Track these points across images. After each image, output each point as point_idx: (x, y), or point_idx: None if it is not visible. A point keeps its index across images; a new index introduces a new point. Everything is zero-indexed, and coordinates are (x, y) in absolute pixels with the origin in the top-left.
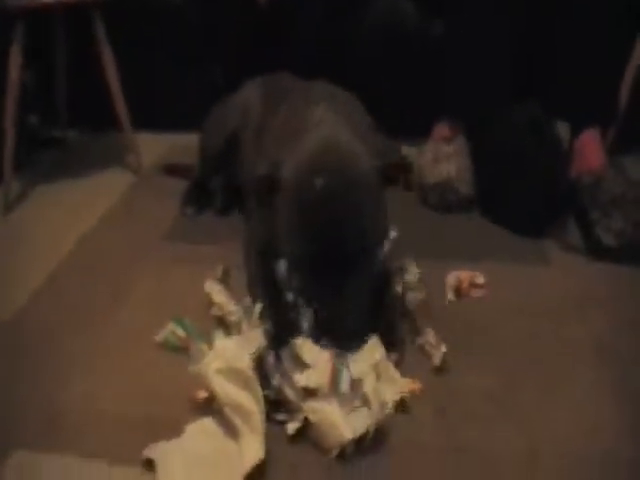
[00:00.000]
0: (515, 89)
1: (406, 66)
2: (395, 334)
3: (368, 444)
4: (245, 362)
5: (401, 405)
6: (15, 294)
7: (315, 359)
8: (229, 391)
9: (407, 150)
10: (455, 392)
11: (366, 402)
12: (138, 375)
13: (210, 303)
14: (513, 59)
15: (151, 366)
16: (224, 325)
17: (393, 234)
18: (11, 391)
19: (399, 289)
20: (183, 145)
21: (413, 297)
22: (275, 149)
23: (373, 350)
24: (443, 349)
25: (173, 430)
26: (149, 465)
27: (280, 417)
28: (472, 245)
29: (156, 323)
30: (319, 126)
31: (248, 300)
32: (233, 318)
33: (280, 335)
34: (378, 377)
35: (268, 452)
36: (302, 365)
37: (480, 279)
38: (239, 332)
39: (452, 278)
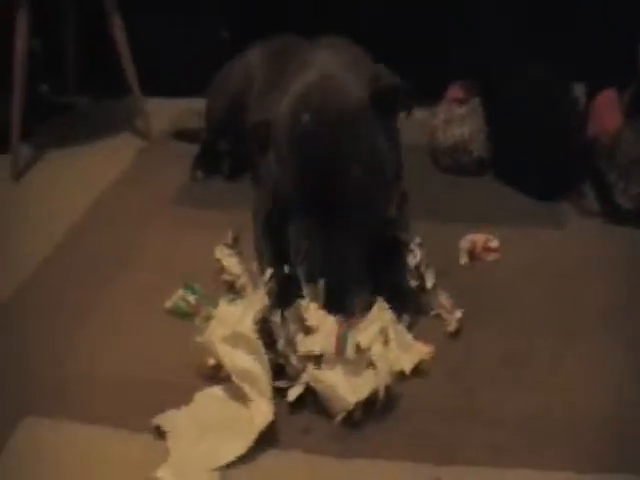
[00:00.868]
0: (531, 49)
1: (418, 24)
2: (405, 296)
3: (380, 408)
4: (249, 326)
5: (417, 370)
6: (26, 260)
7: (320, 322)
8: (235, 358)
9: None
10: (470, 356)
11: (372, 366)
12: (147, 341)
13: (221, 268)
14: (530, 17)
15: (161, 332)
16: (234, 290)
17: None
18: (20, 357)
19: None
20: (192, 109)
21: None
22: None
23: (380, 314)
24: (458, 314)
25: (182, 396)
26: (159, 433)
27: (281, 384)
28: (486, 208)
29: (166, 288)
30: (312, 67)
31: (255, 265)
32: (241, 282)
33: (285, 293)
34: (388, 342)
35: (279, 415)
36: (306, 328)
37: (494, 242)
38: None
39: (466, 242)
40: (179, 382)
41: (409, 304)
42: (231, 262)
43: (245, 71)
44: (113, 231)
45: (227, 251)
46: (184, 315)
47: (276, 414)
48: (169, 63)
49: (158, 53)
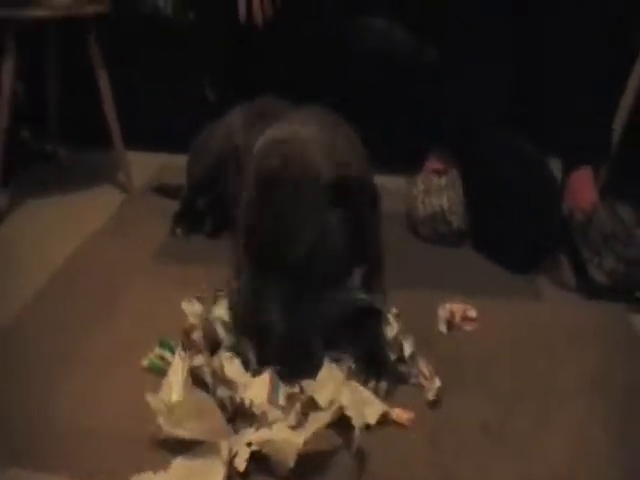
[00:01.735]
0: (508, 126)
1: (399, 94)
2: (383, 364)
3: (354, 475)
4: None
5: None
6: (2, 308)
7: (237, 375)
8: (190, 431)
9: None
10: (449, 424)
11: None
12: (125, 396)
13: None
14: (507, 93)
15: (138, 388)
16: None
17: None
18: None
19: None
20: (174, 165)
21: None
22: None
23: (331, 373)
24: (437, 383)
25: (160, 454)
26: None
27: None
28: (464, 278)
29: (143, 343)
30: (302, 121)
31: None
32: (195, 335)
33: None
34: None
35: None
36: (225, 380)
37: (472, 312)
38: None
39: (444, 311)
40: (159, 441)
41: (387, 371)
42: (194, 316)
43: (227, 131)
44: (90, 285)
45: (197, 305)
46: (160, 372)
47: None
48: (152, 117)
49: (141, 107)
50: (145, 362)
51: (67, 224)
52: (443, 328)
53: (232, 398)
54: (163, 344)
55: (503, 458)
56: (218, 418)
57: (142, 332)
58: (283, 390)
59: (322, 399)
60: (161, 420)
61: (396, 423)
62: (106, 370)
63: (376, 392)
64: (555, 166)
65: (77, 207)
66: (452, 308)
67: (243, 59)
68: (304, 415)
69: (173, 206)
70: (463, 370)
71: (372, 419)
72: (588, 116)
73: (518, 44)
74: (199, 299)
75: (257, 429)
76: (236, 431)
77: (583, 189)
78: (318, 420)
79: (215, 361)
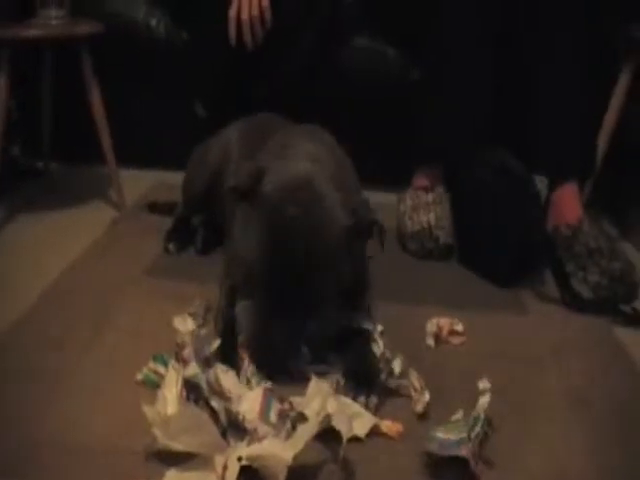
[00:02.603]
0: (493, 143)
1: (386, 111)
2: (371, 379)
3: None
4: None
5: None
6: None
7: (233, 388)
8: (185, 444)
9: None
10: None
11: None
12: (118, 411)
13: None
14: (491, 109)
15: (132, 402)
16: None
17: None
18: None
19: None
20: (166, 182)
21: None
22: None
23: (318, 387)
24: (427, 397)
25: (153, 466)
26: None
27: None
28: (451, 293)
29: (135, 359)
30: (308, 154)
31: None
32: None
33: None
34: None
35: None
36: (216, 391)
37: (459, 326)
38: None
39: (432, 325)
40: (153, 453)
41: (376, 386)
42: (185, 331)
43: (223, 148)
44: (84, 300)
45: (189, 321)
46: (155, 386)
47: None
48: (144, 135)
49: (134, 124)
50: (139, 376)
51: (59, 241)
52: (431, 342)
53: (227, 410)
54: (157, 359)
55: (487, 471)
56: (213, 432)
57: (135, 348)
58: (275, 407)
59: (310, 412)
60: (157, 432)
61: (385, 435)
62: (100, 385)
63: (366, 407)
64: (540, 183)
65: (69, 224)
66: (439, 322)
67: (234, 77)
68: (294, 431)
69: (165, 223)
70: (450, 384)
71: (362, 431)
72: (573, 132)
73: (501, 61)
74: (191, 315)
75: (248, 444)
76: (229, 444)
77: (569, 204)
78: (306, 431)
79: (210, 373)
